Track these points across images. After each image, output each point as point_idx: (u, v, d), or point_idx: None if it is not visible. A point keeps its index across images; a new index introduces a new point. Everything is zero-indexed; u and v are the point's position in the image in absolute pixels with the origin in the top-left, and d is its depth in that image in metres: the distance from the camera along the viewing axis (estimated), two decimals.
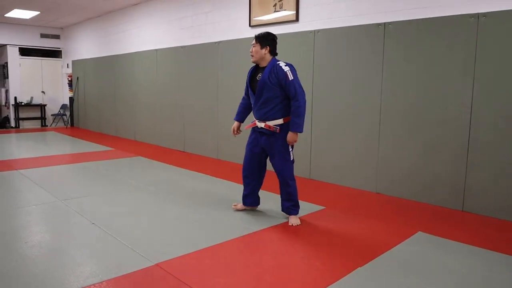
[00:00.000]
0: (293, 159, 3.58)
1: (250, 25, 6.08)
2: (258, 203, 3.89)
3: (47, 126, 12.04)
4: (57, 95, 12.34)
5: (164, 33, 7.80)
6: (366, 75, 4.73)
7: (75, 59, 11.32)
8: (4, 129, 11.06)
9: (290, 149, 3.55)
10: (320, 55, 5.17)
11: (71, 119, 11.89)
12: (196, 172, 5.65)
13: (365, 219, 3.76)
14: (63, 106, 12.16)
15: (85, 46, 10.83)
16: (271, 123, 3.49)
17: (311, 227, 3.52)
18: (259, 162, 3.71)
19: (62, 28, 11.95)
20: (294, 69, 3.46)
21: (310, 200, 4.27)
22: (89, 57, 10.59)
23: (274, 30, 4.83)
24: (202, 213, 3.84)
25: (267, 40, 3.51)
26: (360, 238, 3.29)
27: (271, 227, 3.49)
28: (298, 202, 3.66)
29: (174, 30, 7.54)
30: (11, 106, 11.42)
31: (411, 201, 4.35)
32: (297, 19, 5.45)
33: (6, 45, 11.25)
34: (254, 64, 3.68)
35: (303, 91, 3.43)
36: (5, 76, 11.64)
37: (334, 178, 5.13)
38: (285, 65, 3.41)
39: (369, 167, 4.77)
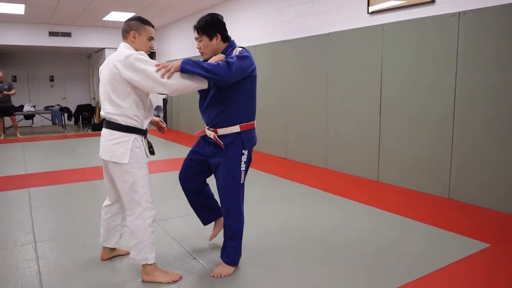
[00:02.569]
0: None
1: (368, 12, 5.11)
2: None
3: None
4: (151, 96, 12.33)
5: (263, 27, 7.09)
6: None
7: (169, 59, 11.16)
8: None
9: None
10: (466, 41, 4.07)
11: (165, 121, 11.81)
12: (320, 191, 4.86)
13: None
14: (157, 108, 12.13)
15: (178, 46, 10.59)
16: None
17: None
18: None
19: (156, 29, 11.89)
20: (248, 53, 2.52)
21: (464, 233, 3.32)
22: (182, 57, 10.32)
23: (401, 15, 3.87)
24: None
25: (213, 27, 2.58)
26: None
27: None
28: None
29: (275, 23, 6.79)
30: None
31: None
32: (432, 0, 4.39)
33: (104, 48, 11.45)
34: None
35: (230, 68, 2.36)
36: None
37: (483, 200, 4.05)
38: (239, 48, 2.56)
39: None
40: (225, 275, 2.61)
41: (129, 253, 2.66)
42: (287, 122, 6.63)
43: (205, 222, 3.00)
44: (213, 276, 2.61)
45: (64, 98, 14.04)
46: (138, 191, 2.46)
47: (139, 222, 2.47)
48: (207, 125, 2.67)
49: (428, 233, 3.34)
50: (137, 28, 2.53)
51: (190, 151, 2.84)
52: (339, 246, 3.10)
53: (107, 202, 2.79)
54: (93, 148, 8.06)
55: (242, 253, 2.74)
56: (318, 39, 5.84)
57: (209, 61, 2.50)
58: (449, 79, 4.22)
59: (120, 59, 2.37)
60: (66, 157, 7.22)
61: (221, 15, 2.65)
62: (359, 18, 5.23)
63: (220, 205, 2.77)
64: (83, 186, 5.01)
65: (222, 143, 2.57)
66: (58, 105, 12.23)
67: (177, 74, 2.35)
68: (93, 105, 13.30)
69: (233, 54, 2.47)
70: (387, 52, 4.87)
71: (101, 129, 2.58)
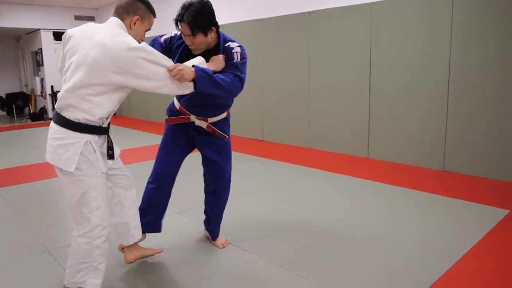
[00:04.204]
0: None
1: None
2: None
3: None
4: None
5: (234, 4, 6.82)
6: None
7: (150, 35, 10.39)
8: (42, 121, 10.30)
9: None
10: (461, 11, 4.23)
11: None
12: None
13: None
14: None
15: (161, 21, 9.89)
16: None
17: None
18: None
19: (97, 9, 11.01)
20: (246, 54, 2.39)
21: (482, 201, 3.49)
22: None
23: None
24: None
25: (208, 20, 2.23)
26: None
27: None
28: None
29: (248, 0, 6.56)
30: (47, 95, 10.61)
31: None
32: None
33: (39, 29, 10.37)
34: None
35: (242, 84, 2.28)
36: (40, 64, 10.80)
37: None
38: (237, 46, 2.37)
39: None
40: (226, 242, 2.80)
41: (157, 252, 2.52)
42: (264, 104, 6.51)
43: (159, 228, 2.69)
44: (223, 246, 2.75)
45: None
46: (89, 204, 1.96)
47: (84, 241, 1.99)
48: (193, 114, 2.50)
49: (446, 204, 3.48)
50: (143, 15, 2.06)
51: (170, 143, 2.59)
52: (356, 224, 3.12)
53: None
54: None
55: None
56: (298, 18, 5.74)
57: (210, 65, 2.20)
58: (443, 52, 4.37)
59: (119, 48, 1.83)
60: (21, 151, 6.51)
61: (210, 3, 2.25)
62: None
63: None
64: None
65: (226, 136, 2.55)
66: None
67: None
68: (27, 93, 12.09)
69: (235, 58, 2.28)
70: (376, 30, 4.91)
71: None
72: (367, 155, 5.23)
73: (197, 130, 2.54)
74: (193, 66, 2.05)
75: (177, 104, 2.56)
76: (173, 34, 2.43)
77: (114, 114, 11.34)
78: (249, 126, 6.80)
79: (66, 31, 2.01)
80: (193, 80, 2.03)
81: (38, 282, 2.40)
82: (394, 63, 4.81)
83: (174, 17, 2.23)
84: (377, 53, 4.95)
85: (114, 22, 2.00)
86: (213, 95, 2.25)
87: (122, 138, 7.33)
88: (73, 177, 1.93)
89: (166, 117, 2.62)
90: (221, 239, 2.81)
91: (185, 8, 2.18)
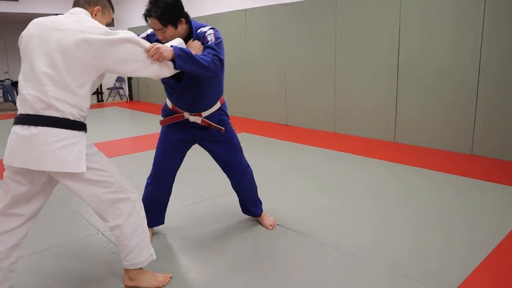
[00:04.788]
0: None
1: None
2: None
3: (103, 101, 11.36)
4: None
5: None
6: None
7: (132, 26, 10.43)
8: None
9: None
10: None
11: (130, 92, 11.16)
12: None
13: None
14: (119, 79, 11.41)
15: (142, 12, 9.89)
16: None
17: None
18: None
19: None
20: (219, 34, 2.36)
21: None
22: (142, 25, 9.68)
23: None
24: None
25: (177, 12, 2.23)
26: None
27: None
28: None
29: None
30: None
31: None
32: None
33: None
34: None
35: (222, 64, 2.23)
36: None
37: None
38: (210, 29, 2.34)
39: None
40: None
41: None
42: (288, 88, 6.55)
43: (162, 222, 2.79)
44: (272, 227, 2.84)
45: (7, 72, 12.74)
46: (113, 186, 1.94)
47: (132, 220, 2.01)
48: (186, 111, 2.50)
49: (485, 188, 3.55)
50: (104, 6, 2.02)
51: (165, 144, 2.59)
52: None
53: None
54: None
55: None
56: (325, 2, 5.73)
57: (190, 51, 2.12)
58: (475, 37, 4.37)
59: (96, 32, 1.78)
60: None
61: None
62: None
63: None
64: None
65: (222, 128, 2.54)
66: (8, 79, 11.07)
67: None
68: None
69: (209, 40, 2.25)
70: (405, 13, 4.90)
71: None
72: (394, 139, 5.28)
73: (195, 126, 2.56)
74: (171, 46, 2.03)
75: (169, 104, 2.56)
76: (149, 32, 2.40)
77: (132, 99, 11.43)
78: (271, 110, 6.86)
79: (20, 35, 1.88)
80: (172, 60, 2.01)
81: (98, 261, 2.50)
82: (423, 46, 4.81)
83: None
84: (406, 36, 4.95)
85: (79, 12, 1.92)
86: (195, 75, 2.21)
87: (142, 121, 7.47)
88: (86, 177, 1.86)
89: (161, 118, 2.63)
90: (268, 219, 2.90)
91: (153, 2, 2.18)
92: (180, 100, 2.48)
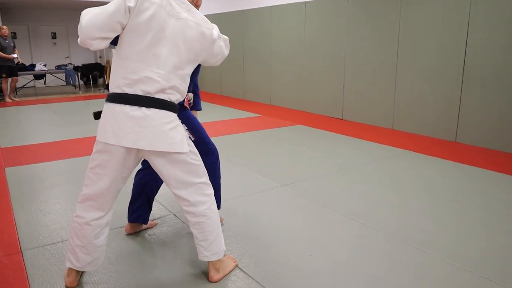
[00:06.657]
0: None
1: None
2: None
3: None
4: None
5: None
6: None
7: None
8: None
9: None
10: None
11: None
12: None
13: None
14: None
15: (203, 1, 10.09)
16: None
17: None
18: None
19: None
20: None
21: None
22: (206, 13, 9.88)
23: None
24: None
25: None
26: None
27: None
28: None
29: None
30: None
31: None
32: None
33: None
34: None
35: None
36: None
37: None
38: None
39: None
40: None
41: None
42: (346, 83, 6.53)
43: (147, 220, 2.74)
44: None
45: (68, 57, 13.36)
46: (200, 169, 2.03)
47: (215, 207, 2.10)
48: None
49: None
50: None
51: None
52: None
53: (97, 214, 1.98)
54: None
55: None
56: None
57: None
58: None
59: (207, 27, 1.92)
60: None
61: None
62: None
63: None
64: None
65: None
66: (70, 63, 11.65)
67: None
68: (102, 64, 12.74)
69: None
70: (474, 11, 4.77)
71: None
72: (455, 139, 5.17)
73: None
74: None
75: None
76: None
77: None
78: (328, 104, 6.87)
79: None
80: None
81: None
82: (491, 46, 4.67)
83: None
84: (474, 34, 4.82)
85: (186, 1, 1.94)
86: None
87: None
88: (186, 158, 1.94)
89: None
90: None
91: None
92: None
